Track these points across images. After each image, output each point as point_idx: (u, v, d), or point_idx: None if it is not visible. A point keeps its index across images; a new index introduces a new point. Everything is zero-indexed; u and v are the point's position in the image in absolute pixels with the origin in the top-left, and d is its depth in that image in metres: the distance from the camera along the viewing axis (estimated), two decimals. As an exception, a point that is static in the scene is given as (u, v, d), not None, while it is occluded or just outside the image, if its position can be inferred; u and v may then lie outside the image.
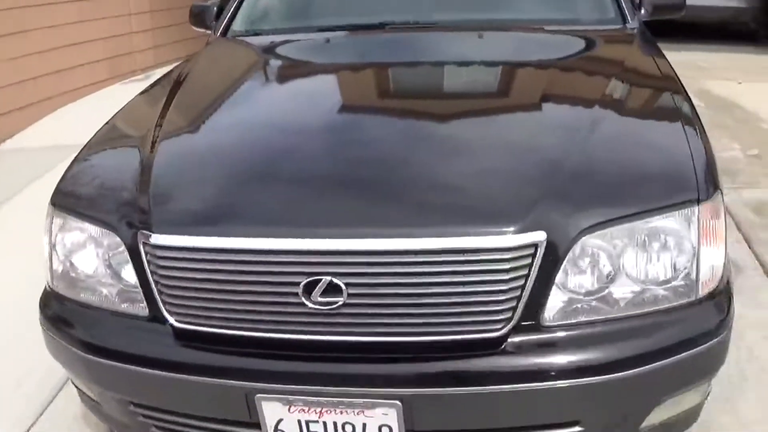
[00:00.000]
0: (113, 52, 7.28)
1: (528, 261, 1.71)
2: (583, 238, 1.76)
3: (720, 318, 1.88)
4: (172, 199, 1.96)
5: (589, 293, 1.80)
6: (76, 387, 2.25)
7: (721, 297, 1.90)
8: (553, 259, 1.73)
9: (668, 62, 2.72)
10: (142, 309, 1.92)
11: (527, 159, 1.99)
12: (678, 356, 1.80)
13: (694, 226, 1.83)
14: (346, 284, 1.71)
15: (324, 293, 1.72)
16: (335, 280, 1.71)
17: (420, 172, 1.94)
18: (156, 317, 1.89)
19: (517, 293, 1.72)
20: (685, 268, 1.83)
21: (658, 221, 1.81)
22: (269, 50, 3.15)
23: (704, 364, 1.89)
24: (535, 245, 1.71)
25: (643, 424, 1.90)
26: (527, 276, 1.71)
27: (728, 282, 1.96)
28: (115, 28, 7.26)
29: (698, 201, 1.84)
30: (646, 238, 1.81)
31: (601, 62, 2.79)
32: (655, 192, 1.85)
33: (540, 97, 2.44)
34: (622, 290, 1.82)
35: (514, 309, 1.73)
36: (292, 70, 3.02)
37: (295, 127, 2.30)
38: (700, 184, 1.87)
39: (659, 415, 1.91)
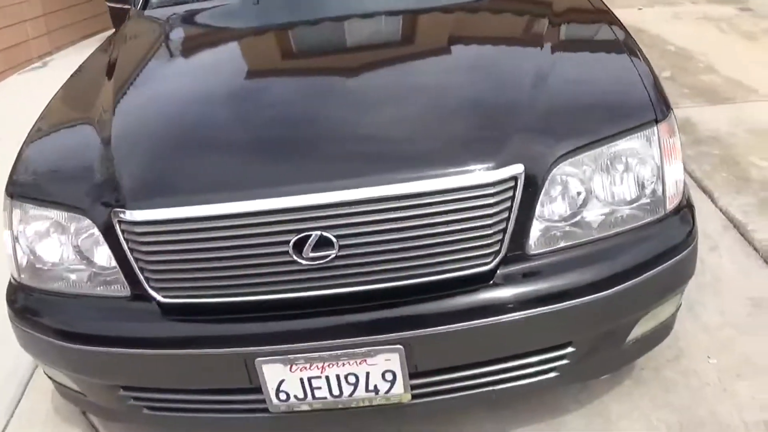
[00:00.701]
0: (6, 43, 6.93)
1: (510, 194, 1.76)
2: (557, 167, 1.81)
3: (687, 229, 1.98)
4: (142, 173, 1.90)
5: (563, 219, 1.86)
6: (53, 380, 2.18)
7: (686, 210, 2.00)
8: (531, 189, 1.78)
9: None
10: (121, 289, 1.88)
11: (490, 97, 2.02)
12: (654, 270, 1.89)
13: (656, 145, 1.92)
14: (337, 236, 1.71)
15: (315, 248, 1.72)
16: (325, 234, 1.71)
17: (391, 119, 1.95)
18: (139, 296, 1.85)
19: (503, 226, 1.76)
20: (652, 185, 1.91)
21: (623, 144, 1.89)
22: (191, 19, 3.06)
23: (678, 276, 1.99)
24: (515, 177, 1.75)
25: (628, 338, 1.99)
26: (510, 208, 1.76)
27: (689, 196, 2.06)
28: (5, 18, 6.90)
29: (656, 121, 1.93)
30: (612, 162, 1.89)
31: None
32: (616, 117, 1.92)
33: (483, 38, 2.48)
34: (594, 213, 1.89)
35: (501, 242, 1.77)
36: (222, 35, 2.93)
37: (244, 89, 2.27)
38: (656, 105, 1.96)
39: (641, 328, 2.00)
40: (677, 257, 1.93)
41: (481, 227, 1.74)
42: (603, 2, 2.75)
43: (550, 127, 1.86)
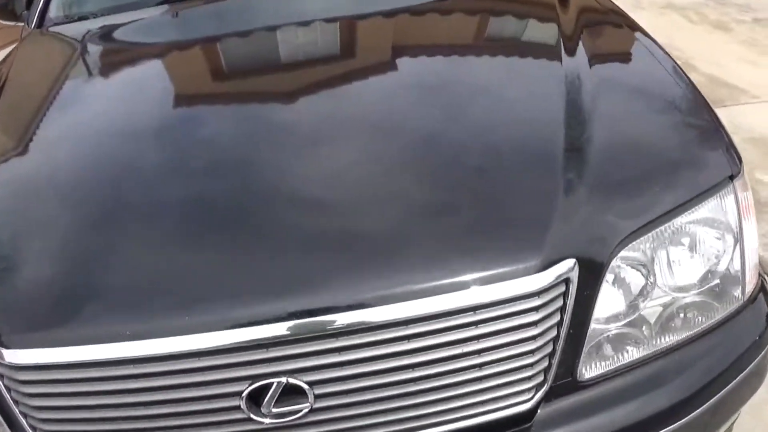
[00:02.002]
0: None
1: (559, 303, 1.24)
2: (617, 254, 1.30)
3: (765, 321, 1.51)
4: (24, 291, 1.31)
5: (616, 319, 1.36)
6: None
7: (761, 294, 1.52)
8: (587, 291, 1.27)
9: None
10: None
11: (514, 152, 1.49)
12: (732, 384, 1.42)
13: (732, 207, 1.43)
14: (311, 383, 1.17)
15: (279, 401, 1.18)
16: (293, 381, 1.17)
17: (380, 193, 1.39)
18: None
19: (549, 349, 1.26)
20: (727, 262, 1.43)
21: (695, 212, 1.39)
22: (97, 38, 2.39)
23: (754, 381, 1.51)
24: (567, 279, 1.24)
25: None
26: (560, 323, 1.25)
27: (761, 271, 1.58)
28: None
29: (731, 177, 1.44)
30: (678, 236, 1.39)
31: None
32: (687, 177, 1.43)
33: (485, 51, 1.94)
34: (655, 306, 1.39)
35: (546, 370, 1.26)
36: (134, 58, 2.28)
37: (172, 145, 1.67)
38: (729, 155, 1.47)
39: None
40: (755, 361, 1.46)
41: (521, 354, 1.23)
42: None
43: (605, 196, 1.36)
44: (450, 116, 1.58)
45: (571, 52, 1.78)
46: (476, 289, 1.18)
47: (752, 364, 1.45)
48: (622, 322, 1.36)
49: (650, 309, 1.39)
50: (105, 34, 2.37)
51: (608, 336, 1.35)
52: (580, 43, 1.84)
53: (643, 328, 1.38)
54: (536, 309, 1.21)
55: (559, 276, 1.22)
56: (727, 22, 5.49)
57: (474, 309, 1.18)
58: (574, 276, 1.24)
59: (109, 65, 2.24)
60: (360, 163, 1.46)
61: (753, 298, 1.49)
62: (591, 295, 1.27)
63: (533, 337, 1.22)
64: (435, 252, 1.23)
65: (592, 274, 1.27)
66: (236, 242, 1.29)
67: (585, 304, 1.27)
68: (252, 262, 1.26)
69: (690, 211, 1.38)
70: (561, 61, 1.72)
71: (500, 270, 1.20)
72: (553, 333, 1.25)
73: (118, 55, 2.29)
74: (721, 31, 5.29)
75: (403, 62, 1.91)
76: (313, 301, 1.17)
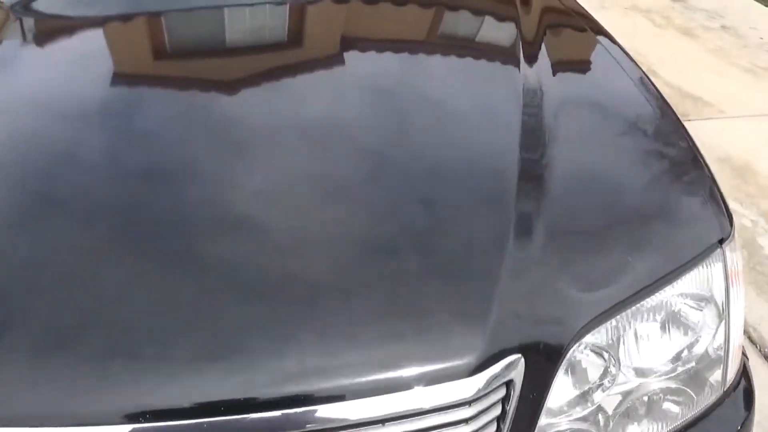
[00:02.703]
0: None
1: (497, 411, 0.95)
2: (579, 340, 1.00)
3: (746, 413, 1.23)
4: None
5: (564, 412, 1.07)
6: None
7: (742, 380, 1.25)
8: (536, 393, 0.98)
9: None
10: None
11: (458, 194, 1.19)
12: None
13: (720, 278, 1.14)
14: None
15: None
16: None
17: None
18: None
19: None
20: (708, 341, 1.14)
21: (675, 286, 1.10)
22: (23, 8, 1.96)
23: None
24: (508, 382, 0.96)
25: None
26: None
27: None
28: None
29: (721, 241, 1.15)
30: (653, 313, 1.10)
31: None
32: (667, 241, 1.13)
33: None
34: (615, 396, 1.10)
35: None
36: (62, 30, 1.89)
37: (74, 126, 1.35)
38: (719, 216, 1.18)
39: None
40: None
41: None
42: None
43: (567, 264, 1.07)
44: (391, 135, 1.33)
45: (532, 60, 1.49)
46: (382, 399, 0.87)
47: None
48: (574, 417, 1.07)
49: (610, 397, 1.11)
50: (32, 3, 1.98)
51: None
52: (542, 50, 1.55)
53: (600, 419, 1.10)
54: (466, 421, 0.90)
55: (496, 378, 0.92)
56: (693, 28, 5.26)
57: (382, 421, 0.87)
58: (518, 377, 0.94)
59: (35, 38, 1.88)
60: (281, 195, 1.19)
61: (735, 385, 1.21)
62: (540, 395, 0.98)
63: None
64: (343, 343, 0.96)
65: (543, 370, 0.98)
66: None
67: (531, 407, 0.98)
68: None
69: (670, 285, 1.08)
70: (519, 69, 1.43)
71: (427, 368, 0.89)
72: None
73: (44, 26, 1.92)
74: (688, 38, 5.05)
75: (351, 59, 1.65)
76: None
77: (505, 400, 0.99)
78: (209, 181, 1.20)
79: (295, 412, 0.91)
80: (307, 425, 0.90)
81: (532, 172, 1.18)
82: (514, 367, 0.97)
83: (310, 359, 0.94)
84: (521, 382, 0.98)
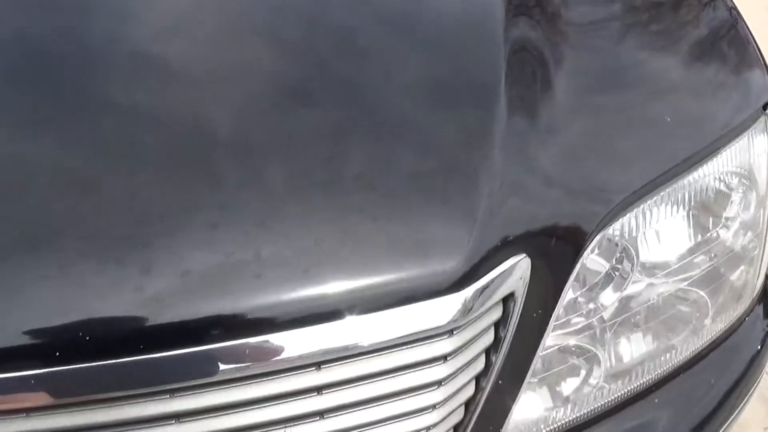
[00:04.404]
0: None
1: (489, 340, 0.76)
2: (600, 233, 0.80)
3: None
4: None
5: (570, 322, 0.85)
6: None
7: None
8: (541, 306, 0.77)
9: None
10: None
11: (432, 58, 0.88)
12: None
13: (764, 152, 0.94)
14: None
15: None
16: None
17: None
18: None
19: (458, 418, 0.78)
20: (748, 234, 0.95)
21: (711, 163, 0.86)
22: None
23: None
24: (509, 296, 0.74)
25: None
26: (486, 373, 0.76)
27: None
28: None
29: (766, 105, 0.95)
30: (688, 197, 0.88)
31: None
32: (700, 112, 0.92)
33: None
34: (639, 297, 0.89)
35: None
36: None
37: None
38: (760, 68, 0.99)
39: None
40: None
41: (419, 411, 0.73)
42: None
43: (582, 146, 0.83)
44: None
45: None
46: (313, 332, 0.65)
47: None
48: (576, 330, 0.84)
49: (621, 302, 0.88)
50: None
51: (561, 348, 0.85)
52: None
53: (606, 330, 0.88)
54: (444, 358, 0.69)
55: (487, 291, 0.67)
56: None
57: (318, 365, 0.66)
58: (521, 288, 0.72)
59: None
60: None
61: (760, 296, 1.01)
62: (546, 313, 0.73)
63: (431, 407, 0.71)
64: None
65: (552, 276, 0.75)
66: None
67: (534, 330, 0.76)
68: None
69: (705, 160, 0.84)
70: None
71: (374, 283, 0.67)
72: (469, 393, 0.75)
73: None
74: None
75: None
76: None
77: (500, 323, 0.74)
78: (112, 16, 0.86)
79: (198, 352, 0.64)
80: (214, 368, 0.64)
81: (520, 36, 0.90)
82: (516, 274, 0.71)
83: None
84: (523, 297, 0.73)
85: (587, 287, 0.85)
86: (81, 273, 0.63)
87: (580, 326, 0.86)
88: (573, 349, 0.87)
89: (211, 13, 0.86)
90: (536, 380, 0.84)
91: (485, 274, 0.69)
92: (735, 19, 1.07)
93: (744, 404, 1.00)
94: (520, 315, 0.74)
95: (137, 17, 0.84)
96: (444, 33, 0.88)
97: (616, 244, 0.84)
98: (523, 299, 0.73)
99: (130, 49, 0.80)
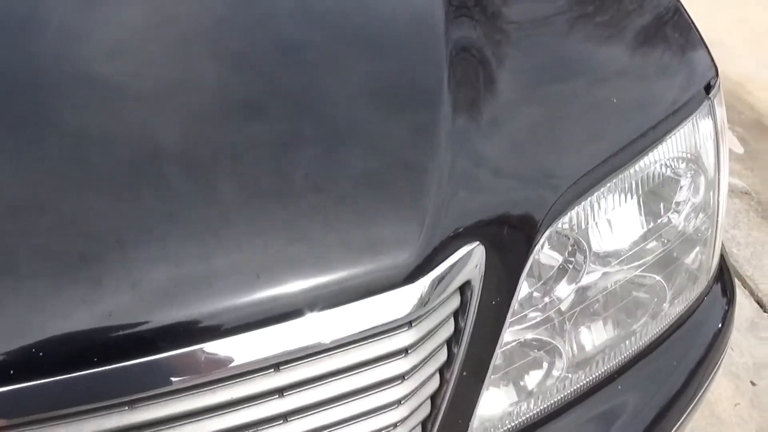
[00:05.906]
0: None
1: (449, 330, 0.76)
2: (555, 219, 0.81)
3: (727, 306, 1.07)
4: None
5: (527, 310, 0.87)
6: None
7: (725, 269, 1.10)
8: (499, 294, 0.78)
9: None
10: None
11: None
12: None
13: (710, 135, 0.96)
14: None
15: None
16: None
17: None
18: None
19: (426, 412, 0.79)
20: (692, 219, 0.97)
21: (657, 147, 0.87)
22: None
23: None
24: (465, 285, 0.75)
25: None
26: (449, 365, 0.77)
27: None
28: None
29: (708, 87, 0.95)
30: (635, 182, 0.90)
31: None
32: (643, 95, 0.93)
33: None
34: (595, 286, 0.91)
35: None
36: None
37: None
38: (703, 60, 1.00)
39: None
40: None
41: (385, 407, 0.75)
42: None
43: (532, 133, 0.84)
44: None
45: None
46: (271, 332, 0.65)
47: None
48: (535, 323, 0.85)
49: (575, 293, 0.89)
50: None
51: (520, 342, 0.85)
52: None
53: (564, 321, 0.88)
54: (405, 351, 0.69)
55: (445, 281, 0.69)
56: None
57: (277, 365, 0.66)
58: (477, 276, 0.72)
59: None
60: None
61: (716, 277, 1.02)
62: (505, 300, 0.74)
63: (397, 403, 0.72)
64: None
65: (509, 262, 0.75)
66: None
67: (494, 318, 0.75)
68: None
69: (651, 145, 0.85)
70: None
71: (328, 281, 0.67)
72: (434, 386, 0.76)
73: None
74: None
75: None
76: None
77: (458, 313, 0.75)
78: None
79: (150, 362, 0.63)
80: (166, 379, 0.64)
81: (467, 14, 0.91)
82: (472, 262, 0.72)
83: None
84: (480, 285, 0.74)
85: (542, 282, 0.87)
86: (32, 291, 0.63)
87: (538, 320, 0.88)
88: (533, 342, 0.88)
89: (158, 29, 0.86)
90: (499, 375, 0.85)
91: (440, 264, 0.71)
92: (676, 5, 1.10)
93: (709, 382, 1.02)
94: (479, 304, 0.75)
95: (83, 35, 0.84)
96: (388, 37, 0.89)
97: (568, 237, 0.85)
98: (480, 287, 0.74)
99: (76, 67, 0.80)
